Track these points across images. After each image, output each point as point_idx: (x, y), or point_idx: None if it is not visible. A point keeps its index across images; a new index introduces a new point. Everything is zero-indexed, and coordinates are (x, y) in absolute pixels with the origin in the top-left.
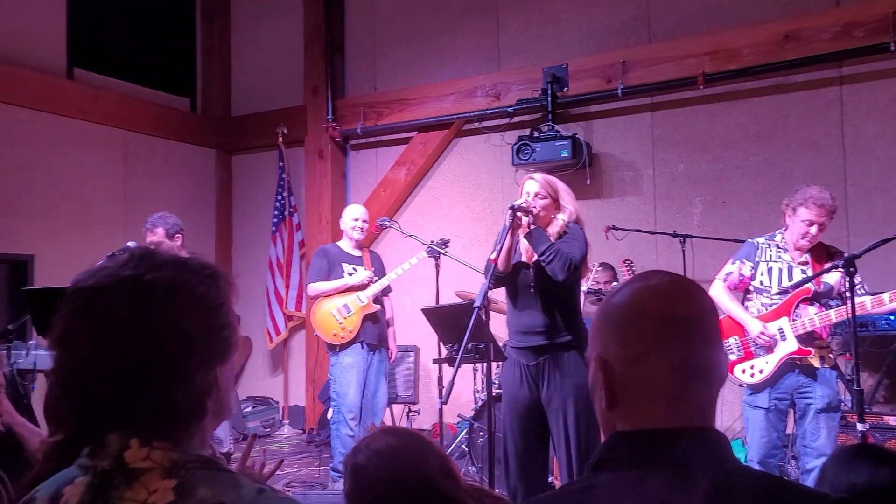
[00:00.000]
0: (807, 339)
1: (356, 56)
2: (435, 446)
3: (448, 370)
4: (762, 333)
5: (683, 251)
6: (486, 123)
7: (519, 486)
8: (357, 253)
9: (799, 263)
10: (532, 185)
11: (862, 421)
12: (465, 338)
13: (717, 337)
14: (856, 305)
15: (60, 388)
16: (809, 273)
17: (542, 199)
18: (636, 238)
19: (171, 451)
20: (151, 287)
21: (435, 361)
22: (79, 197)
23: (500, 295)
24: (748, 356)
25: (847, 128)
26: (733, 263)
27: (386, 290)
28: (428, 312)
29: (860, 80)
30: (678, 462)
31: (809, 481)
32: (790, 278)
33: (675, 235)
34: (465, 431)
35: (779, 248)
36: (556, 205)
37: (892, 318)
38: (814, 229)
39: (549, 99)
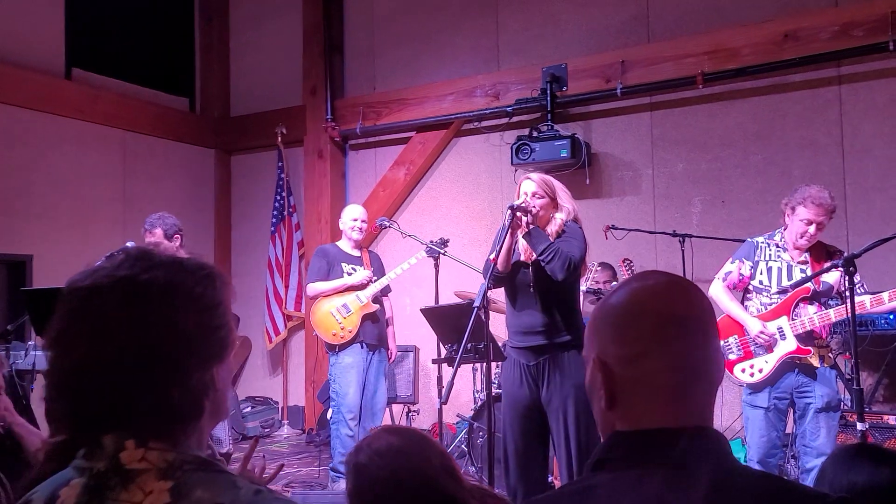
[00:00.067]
0: (806, 338)
1: (355, 56)
2: (437, 445)
3: (447, 370)
4: (761, 333)
5: (683, 251)
6: (485, 123)
7: (519, 486)
8: (356, 253)
9: (798, 263)
10: (529, 185)
11: (862, 420)
12: (465, 338)
13: (714, 336)
14: (855, 305)
15: (56, 389)
16: (809, 272)
17: (539, 198)
18: (635, 238)
19: (168, 452)
20: (147, 287)
21: (434, 361)
22: (77, 197)
23: (499, 295)
24: (748, 355)
25: (846, 127)
26: (732, 263)
27: (385, 290)
28: (427, 312)
29: (859, 79)
30: (677, 462)
31: (809, 481)
32: (789, 277)
33: (674, 235)
34: (464, 431)
35: (778, 247)
36: (553, 204)
37: (891, 317)
38: (812, 228)
39: (549, 99)
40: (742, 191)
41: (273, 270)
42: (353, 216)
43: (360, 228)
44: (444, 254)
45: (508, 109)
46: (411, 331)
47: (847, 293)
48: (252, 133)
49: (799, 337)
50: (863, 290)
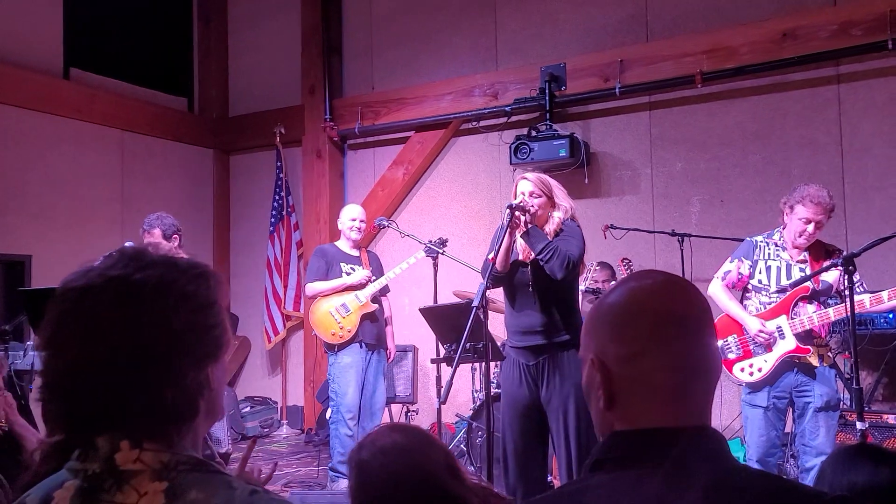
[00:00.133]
0: (805, 337)
1: (353, 56)
2: (440, 444)
3: (446, 370)
4: (761, 331)
5: (682, 250)
6: (483, 123)
7: (518, 485)
8: (355, 253)
9: (797, 262)
10: (526, 185)
11: (861, 419)
12: (464, 337)
13: (712, 336)
14: (855, 304)
15: (50, 390)
16: (808, 271)
17: (537, 197)
18: (634, 237)
19: (162, 453)
20: (140, 287)
21: (433, 361)
22: (76, 197)
23: (498, 294)
24: (747, 355)
25: (845, 126)
26: (732, 262)
27: (384, 290)
28: (426, 312)
29: (858, 78)
30: (676, 461)
31: (808, 480)
32: (788, 277)
33: (673, 234)
34: (463, 431)
35: (777, 246)
36: (551, 202)
37: (890, 316)
38: (811, 227)
39: (547, 98)
40: (741, 190)
41: (272, 270)
42: (351, 216)
43: (359, 228)
44: (442, 253)
45: (507, 109)
46: (410, 330)
47: (846, 292)
48: (250, 133)
49: (798, 336)
50: (862, 289)
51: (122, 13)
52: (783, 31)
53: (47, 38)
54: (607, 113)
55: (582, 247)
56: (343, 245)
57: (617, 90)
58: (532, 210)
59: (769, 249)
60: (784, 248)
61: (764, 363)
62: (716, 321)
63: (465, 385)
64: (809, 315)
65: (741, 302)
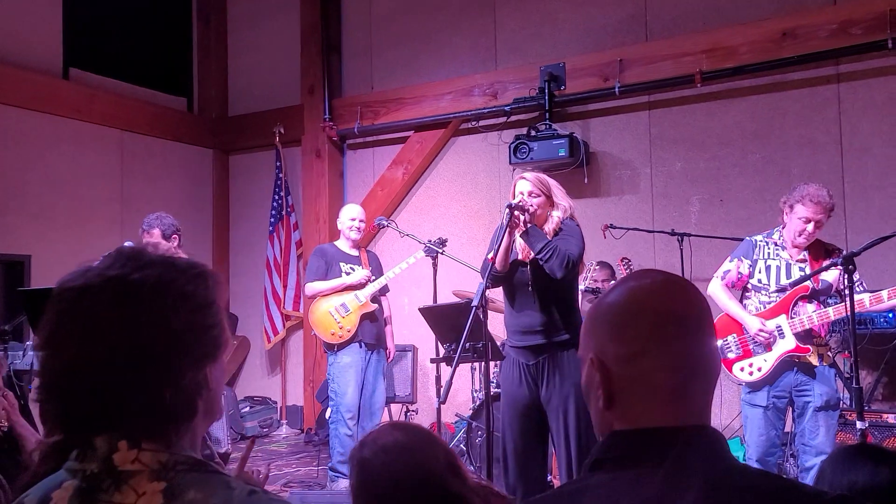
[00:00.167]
0: (805, 336)
1: (353, 55)
2: (442, 443)
3: (446, 369)
4: (761, 331)
5: (681, 249)
6: (483, 122)
7: (518, 485)
8: (354, 252)
9: (797, 261)
10: (525, 185)
11: (861, 419)
12: (464, 337)
13: (712, 335)
14: (854, 303)
15: (47, 390)
16: (807, 271)
17: (536, 197)
18: (634, 237)
19: (161, 453)
20: (138, 287)
21: (433, 361)
22: (75, 197)
23: (497, 294)
24: (746, 354)
25: (844, 125)
26: (731, 261)
27: (383, 290)
28: (425, 312)
29: (857, 77)
30: (676, 461)
31: (808, 479)
32: (788, 276)
33: (672, 234)
34: (462, 431)
35: (777, 245)
36: (550, 202)
37: (890, 315)
38: (811, 227)
39: (547, 98)
40: (740, 189)
41: (271, 270)
42: (351, 216)
43: (359, 228)
44: (442, 253)
45: (506, 108)
46: (409, 330)
47: (846, 291)
48: (250, 133)
49: (798, 335)
50: (862, 289)
51: (121, 13)
52: (783, 30)
53: (47, 38)
54: (607, 112)
55: (581, 246)
56: (342, 245)
57: (616, 90)
58: (531, 209)
59: (769, 249)
60: (784, 248)
61: (763, 363)
62: (715, 321)
63: (465, 385)
64: (809, 314)
65: (740, 301)
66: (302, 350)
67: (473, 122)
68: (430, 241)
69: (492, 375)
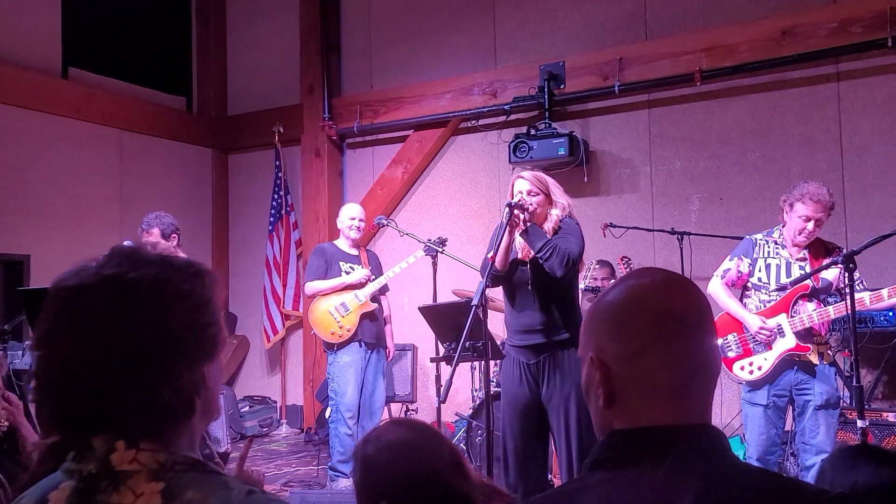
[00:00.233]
0: (805, 335)
1: (352, 54)
2: (447, 440)
3: (445, 369)
4: (762, 329)
5: (681, 248)
6: (482, 121)
7: (519, 484)
8: (354, 252)
9: (797, 260)
10: (523, 184)
11: (862, 417)
12: (464, 336)
13: (712, 334)
14: (855, 302)
15: (43, 390)
16: (807, 269)
17: (535, 195)
18: (634, 235)
19: (159, 453)
20: (135, 286)
21: (432, 360)
22: (74, 196)
23: (497, 293)
24: (747, 353)
25: (844, 124)
26: (731, 260)
27: (383, 289)
28: (425, 311)
29: (857, 76)
30: (676, 460)
31: (808, 478)
32: (788, 275)
33: (672, 233)
34: (462, 430)
35: (777, 244)
36: (548, 200)
37: (890, 314)
38: (811, 225)
39: (546, 96)
40: (740, 188)
41: (271, 269)
42: (350, 215)
43: (358, 227)
44: (441, 252)
45: (506, 107)
46: (409, 329)
47: (846, 290)
48: (249, 132)
49: (798, 334)
50: (862, 287)
51: (120, 12)
52: (782, 28)
53: (46, 38)
54: (606, 111)
55: (581, 244)
56: (342, 244)
57: (616, 88)
58: (531, 208)
59: (769, 247)
60: (784, 246)
61: (764, 361)
62: (715, 319)
63: (465, 384)
64: (809, 313)
65: (740, 300)
66: (301, 349)
67: (473, 121)
68: (430, 240)
69: (492, 375)
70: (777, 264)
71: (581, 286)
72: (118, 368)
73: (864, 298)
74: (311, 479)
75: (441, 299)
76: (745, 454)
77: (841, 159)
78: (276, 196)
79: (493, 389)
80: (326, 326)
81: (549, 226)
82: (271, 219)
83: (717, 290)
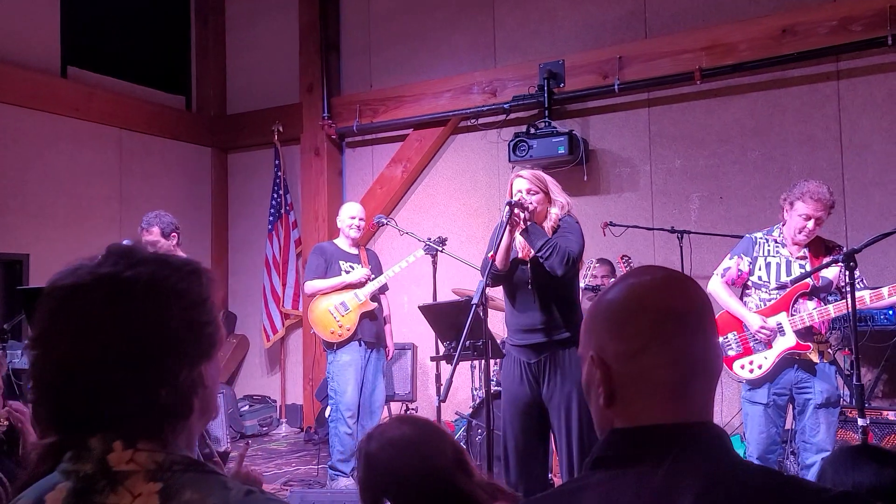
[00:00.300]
0: (805, 334)
1: (351, 53)
2: (450, 438)
3: (445, 368)
4: (762, 328)
5: (681, 247)
6: (482, 120)
7: (520, 483)
8: (354, 251)
9: (797, 258)
10: (522, 183)
11: (863, 416)
12: (464, 335)
13: (713, 331)
14: (855, 300)
15: (40, 390)
16: (808, 268)
17: (534, 194)
18: (634, 234)
19: (157, 453)
20: (131, 284)
21: (433, 359)
22: (74, 195)
23: (497, 293)
24: (747, 352)
25: (844, 122)
26: (731, 259)
27: (383, 288)
28: (425, 310)
29: (857, 74)
30: (677, 458)
31: (809, 477)
32: (788, 273)
33: (672, 231)
34: (462, 429)
35: (777, 242)
36: (547, 198)
37: (890, 312)
38: (811, 224)
39: (546, 95)
40: (740, 187)
41: (270, 268)
42: (350, 214)
43: (358, 226)
44: (441, 251)
45: (505, 106)
46: (409, 328)
47: (847, 288)
48: (248, 131)
49: (798, 333)
50: (862, 285)
51: (119, 11)
52: (782, 27)
53: (45, 37)
54: (606, 110)
55: (581, 242)
56: (342, 243)
57: (616, 87)
58: (531, 207)
59: (769, 246)
60: (784, 245)
61: (764, 360)
62: (716, 318)
63: (465, 383)
64: (809, 312)
65: (740, 298)
66: (301, 348)
67: (472, 120)
68: (430, 239)
69: (492, 373)
70: (777, 263)
71: (581, 285)
72: (115, 368)
73: (864, 297)
74: (310, 478)
75: (441, 298)
76: (745, 453)
77: (841, 158)
78: (275, 195)
79: (493, 388)
80: (326, 325)
81: (548, 224)
82: (271, 218)
83: (717, 289)
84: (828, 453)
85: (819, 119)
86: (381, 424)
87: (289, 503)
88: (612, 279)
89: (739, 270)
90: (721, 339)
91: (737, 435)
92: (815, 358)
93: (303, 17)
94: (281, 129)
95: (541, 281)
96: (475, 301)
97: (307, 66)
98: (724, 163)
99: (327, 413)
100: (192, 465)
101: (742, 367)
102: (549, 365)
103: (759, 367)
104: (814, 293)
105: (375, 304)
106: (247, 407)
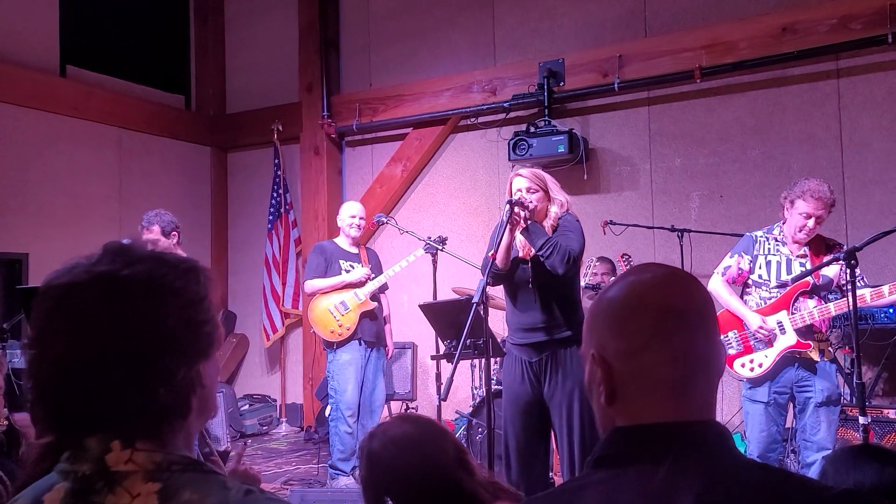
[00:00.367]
0: (806, 332)
1: (351, 52)
2: (452, 436)
3: (445, 366)
4: (761, 328)
5: (681, 246)
6: (482, 119)
7: (521, 482)
8: (354, 250)
9: (797, 256)
10: (522, 182)
11: (864, 414)
12: (465, 333)
13: (715, 328)
14: (856, 298)
15: (37, 390)
16: (808, 266)
17: (534, 192)
18: (634, 233)
19: (155, 453)
20: (128, 283)
21: (433, 358)
22: (73, 195)
23: (497, 292)
24: (747, 350)
25: (844, 121)
26: (731, 257)
27: (382, 288)
28: (425, 308)
29: (857, 72)
30: (678, 457)
31: (810, 475)
32: (789, 272)
33: (672, 230)
34: (463, 428)
35: (777, 241)
36: (547, 197)
37: (891, 311)
38: (811, 222)
39: (546, 94)
40: (740, 185)
41: (270, 268)
42: (351, 213)
43: (359, 225)
44: (441, 250)
45: (505, 105)
46: (409, 327)
47: (847, 286)
48: (248, 130)
49: (799, 331)
50: (863, 284)
51: (118, 10)
52: (782, 25)
53: (44, 36)
54: (606, 108)
55: (581, 241)
56: (342, 242)
57: (615, 86)
58: (531, 206)
59: (769, 244)
60: (784, 243)
61: (765, 358)
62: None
63: (465, 382)
64: (810, 310)
65: (741, 297)
66: (301, 348)
67: (472, 119)
68: (430, 238)
69: (492, 372)
70: (777, 261)
71: (581, 284)
72: (112, 367)
73: (864, 295)
74: (311, 477)
75: (441, 297)
76: (745, 451)
77: (841, 156)
78: (275, 194)
79: (493, 387)
80: (326, 325)
81: (548, 223)
82: (270, 217)
83: (717, 288)
84: (828, 452)
85: (819, 117)
86: (384, 423)
87: (289, 502)
88: (613, 277)
89: (740, 269)
90: (721, 337)
91: (737, 433)
92: (815, 356)
93: (302, 16)
94: (280, 128)
95: (542, 280)
96: (476, 300)
97: (307, 65)
98: (725, 161)
99: (327, 412)
100: (191, 464)
101: (743, 365)
102: (550, 364)
103: (760, 365)
104: (814, 291)
105: (375, 303)
106: (247, 406)
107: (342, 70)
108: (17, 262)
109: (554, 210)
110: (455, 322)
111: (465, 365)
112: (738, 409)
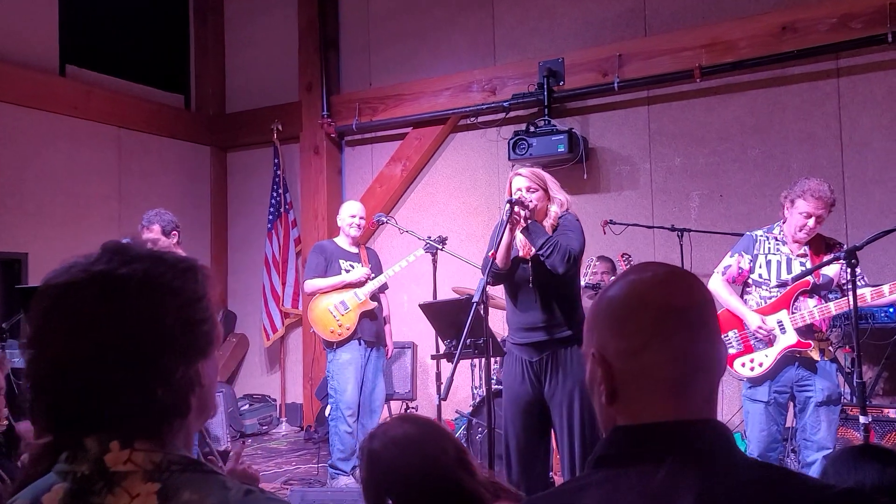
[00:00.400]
0: (806, 331)
1: (351, 52)
2: (452, 437)
3: (445, 366)
4: (760, 328)
5: (681, 245)
6: (481, 118)
7: (522, 482)
8: (354, 249)
9: (798, 256)
10: (521, 181)
11: (864, 414)
12: (465, 333)
13: (715, 327)
14: (857, 298)
15: (35, 390)
16: (808, 265)
17: (534, 192)
18: (634, 232)
19: (154, 453)
20: (126, 282)
21: (433, 357)
22: (72, 194)
23: (498, 291)
24: (747, 350)
25: (844, 120)
26: (732, 256)
27: (382, 287)
28: (425, 308)
29: (857, 72)
30: (678, 457)
31: (810, 475)
32: (789, 271)
33: (672, 229)
34: (463, 427)
35: (777, 240)
36: (547, 196)
37: (891, 310)
38: (812, 222)
39: (545, 93)
40: (740, 185)
41: (270, 267)
42: (351, 212)
43: (359, 225)
44: (441, 250)
45: (505, 104)
46: (409, 327)
47: (847, 286)
48: (248, 130)
49: (799, 330)
50: (863, 283)
51: (118, 10)
52: (782, 24)
53: (43, 35)
54: (606, 108)
55: (582, 240)
56: (342, 242)
57: (615, 85)
58: (531, 205)
59: (769, 244)
60: (784, 243)
61: (765, 358)
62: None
63: (465, 381)
64: (810, 309)
65: (741, 296)
66: (301, 347)
67: (472, 119)
68: (430, 237)
69: (492, 372)
70: (778, 261)
71: (581, 283)
72: (110, 366)
73: (864, 294)
74: (311, 477)
75: (441, 297)
76: (745, 451)
77: (841, 155)
78: (274, 194)
79: (493, 387)
80: (326, 324)
81: (548, 222)
82: (270, 217)
83: (717, 287)
84: (829, 451)
85: (819, 117)
86: (384, 423)
87: (289, 502)
88: (613, 276)
89: (740, 268)
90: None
91: (737, 433)
92: (815, 356)
93: (302, 15)
94: (280, 127)
95: (542, 279)
96: (476, 299)
97: (306, 64)
98: (724, 161)
99: (327, 412)
100: (190, 464)
101: (743, 364)
102: (550, 363)
103: (760, 364)
104: (814, 291)
105: (375, 303)
106: (247, 406)
107: (342, 69)
108: (17, 262)
109: (554, 209)
110: (455, 322)
111: (465, 364)
112: (738, 408)
